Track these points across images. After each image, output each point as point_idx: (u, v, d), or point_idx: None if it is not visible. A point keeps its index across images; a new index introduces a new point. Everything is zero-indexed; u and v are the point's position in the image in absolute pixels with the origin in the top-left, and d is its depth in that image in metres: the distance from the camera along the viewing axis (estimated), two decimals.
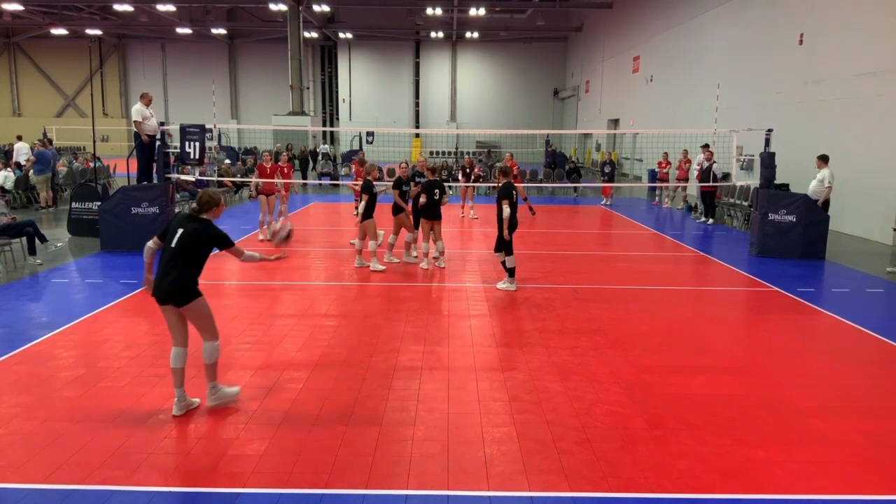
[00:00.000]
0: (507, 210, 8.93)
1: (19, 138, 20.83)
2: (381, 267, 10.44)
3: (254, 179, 13.35)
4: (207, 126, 12.88)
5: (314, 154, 27.47)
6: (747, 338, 7.48)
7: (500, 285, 9.37)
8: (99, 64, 46.92)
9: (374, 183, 10.53)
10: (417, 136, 44.22)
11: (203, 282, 5.41)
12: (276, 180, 12.99)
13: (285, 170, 13.90)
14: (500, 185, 9.28)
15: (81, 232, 12.99)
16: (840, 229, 14.33)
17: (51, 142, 20.14)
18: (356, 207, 18.02)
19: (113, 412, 5.16)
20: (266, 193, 13.11)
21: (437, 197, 10.22)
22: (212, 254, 5.37)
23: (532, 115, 45.95)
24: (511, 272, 9.26)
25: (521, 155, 37.50)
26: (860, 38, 14.15)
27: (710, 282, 10.18)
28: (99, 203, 12.42)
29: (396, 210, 10.90)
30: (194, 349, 5.42)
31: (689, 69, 23.34)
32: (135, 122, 12.03)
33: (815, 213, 11.77)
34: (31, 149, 18.78)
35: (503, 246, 9.17)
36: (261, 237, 13.15)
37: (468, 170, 17.98)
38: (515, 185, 9.59)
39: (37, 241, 10.70)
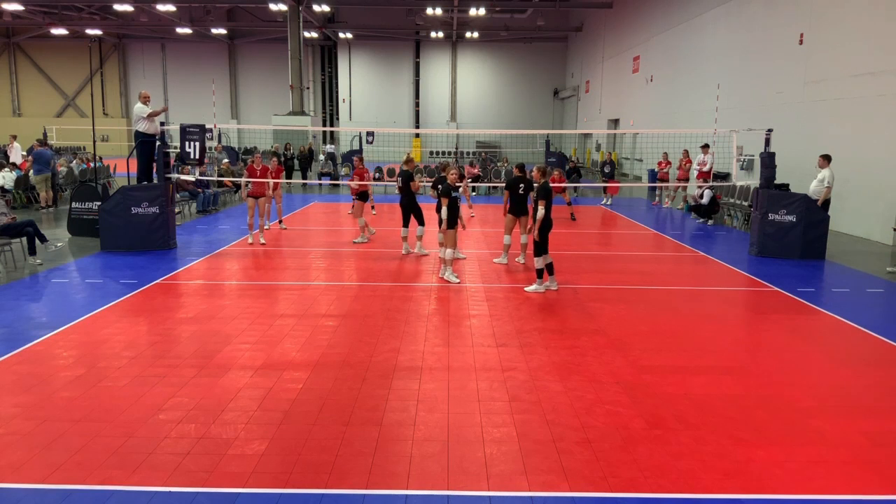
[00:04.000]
0: (541, 211, 8.91)
1: (14, 137, 20.88)
2: (455, 279, 9.81)
3: (243, 180, 13.05)
4: (207, 126, 12.86)
5: (312, 152, 27.35)
6: (747, 338, 7.48)
7: (528, 287, 9.31)
8: (99, 64, 46.94)
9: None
10: (417, 136, 44.22)
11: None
12: (266, 180, 12.67)
13: (273, 171, 13.73)
14: (538, 184, 9.20)
15: (81, 232, 13.00)
16: (840, 229, 14.33)
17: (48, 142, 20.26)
18: (352, 207, 18.02)
19: (113, 412, 5.16)
20: (255, 196, 12.62)
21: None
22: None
23: (532, 115, 45.95)
24: (539, 273, 9.23)
25: (521, 155, 37.57)
26: (860, 38, 14.15)
27: (710, 282, 10.18)
28: (99, 203, 12.42)
29: (452, 222, 9.77)
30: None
31: (689, 69, 23.34)
32: (149, 114, 11.98)
33: (815, 213, 11.77)
34: (31, 149, 18.81)
35: (535, 247, 9.15)
36: (250, 241, 12.64)
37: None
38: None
39: (37, 241, 10.71)
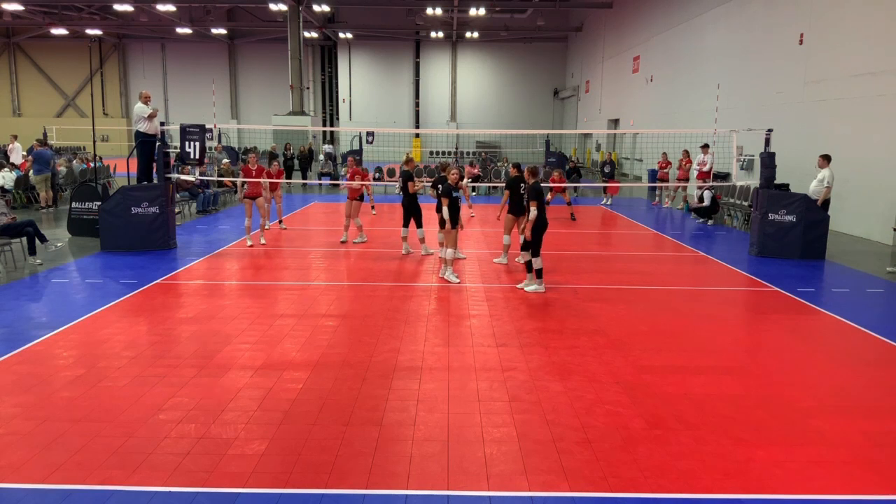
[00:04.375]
0: (533, 211, 8.91)
1: (14, 137, 20.89)
2: (455, 279, 9.81)
3: (240, 180, 12.83)
4: (207, 126, 12.86)
5: (312, 153, 27.30)
6: (747, 338, 7.48)
7: (528, 287, 9.28)
8: (99, 64, 46.94)
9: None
10: (417, 136, 44.23)
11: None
12: (262, 180, 12.53)
13: (274, 175, 13.79)
14: (529, 184, 9.22)
15: (81, 232, 13.00)
16: (840, 229, 14.33)
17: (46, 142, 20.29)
18: (372, 207, 17.92)
19: (113, 412, 5.16)
20: (251, 197, 12.45)
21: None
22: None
23: (532, 115, 45.95)
24: (538, 273, 9.21)
25: (521, 155, 37.54)
26: (860, 38, 14.15)
27: (710, 282, 10.18)
28: (99, 203, 12.43)
29: (453, 222, 9.80)
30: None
31: (689, 69, 23.34)
32: (150, 115, 12.02)
33: (815, 213, 11.78)
34: (31, 149, 18.83)
35: (528, 245, 9.15)
36: (249, 243, 12.41)
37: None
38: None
39: (37, 241, 10.71)
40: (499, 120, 45.86)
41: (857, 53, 14.23)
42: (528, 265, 9.31)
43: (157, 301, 8.50)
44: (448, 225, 9.70)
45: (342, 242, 12.92)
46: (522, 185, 10.79)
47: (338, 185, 24.01)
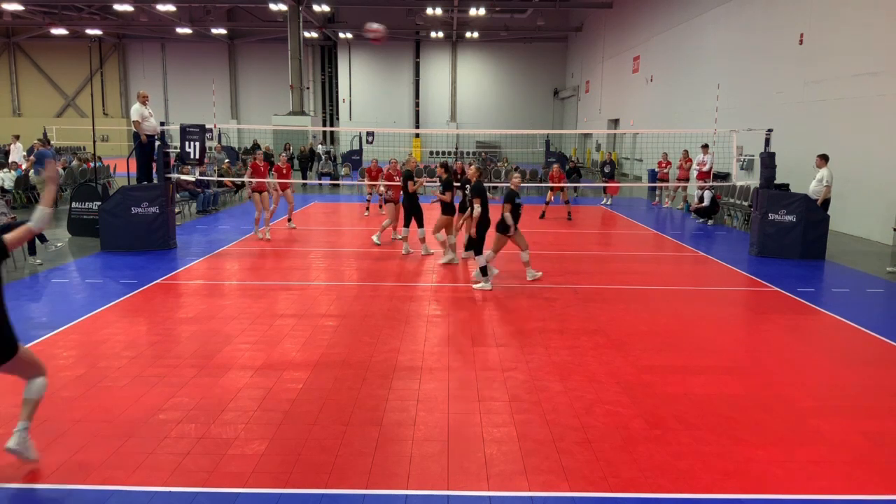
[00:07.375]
0: (477, 209, 9.24)
1: (16, 137, 20.88)
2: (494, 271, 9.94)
3: (246, 178, 13.22)
4: (207, 126, 12.89)
5: (312, 153, 27.33)
6: (747, 338, 7.48)
7: (476, 286, 9.39)
8: (99, 64, 46.92)
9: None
10: (417, 136, 44.22)
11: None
12: (268, 180, 13.06)
13: (284, 170, 14.08)
14: (472, 184, 9.73)
15: (81, 232, 13.00)
16: (840, 229, 14.32)
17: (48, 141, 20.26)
18: (367, 208, 17.88)
19: (113, 412, 5.16)
20: (259, 191, 13.04)
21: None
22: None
23: (532, 115, 45.92)
24: (484, 270, 9.31)
25: (521, 155, 37.56)
26: (860, 38, 14.15)
27: (710, 282, 10.18)
28: (99, 203, 12.43)
29: (447, 210, 10.93)
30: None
31: (689, 69, 23.34)
32: (134, 122, 12.05)
33: (815, 213, 11.77)
34: (31, 149, 18.84)
35: (472, 244, 9.48)
36: (259, 236, 13.07)
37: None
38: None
39: (37, 241, 10.71)
40: (499, 120, 45.83)
41: (857, 53, 14.22)
42: (483, 269, 9.39)
43: (157, 301, 8.50)
44: (442, 221, 10.06)
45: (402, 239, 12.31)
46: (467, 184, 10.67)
47: (338, 186, 23.98)
